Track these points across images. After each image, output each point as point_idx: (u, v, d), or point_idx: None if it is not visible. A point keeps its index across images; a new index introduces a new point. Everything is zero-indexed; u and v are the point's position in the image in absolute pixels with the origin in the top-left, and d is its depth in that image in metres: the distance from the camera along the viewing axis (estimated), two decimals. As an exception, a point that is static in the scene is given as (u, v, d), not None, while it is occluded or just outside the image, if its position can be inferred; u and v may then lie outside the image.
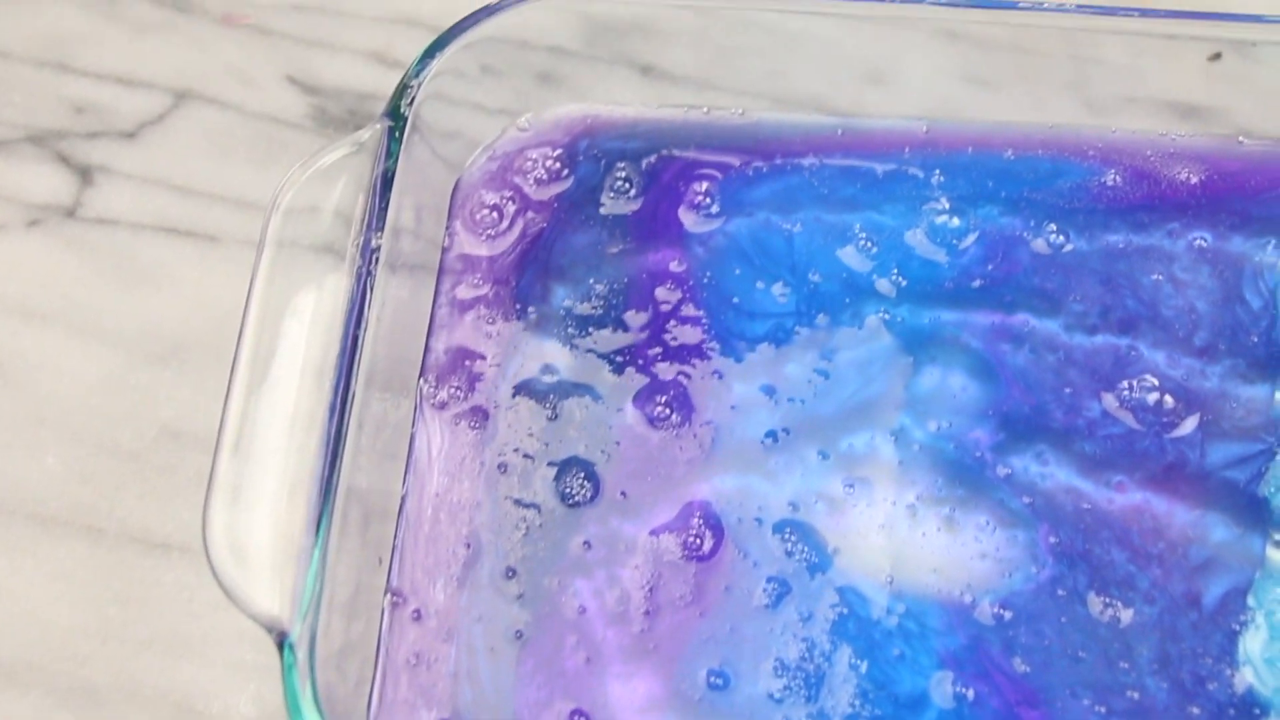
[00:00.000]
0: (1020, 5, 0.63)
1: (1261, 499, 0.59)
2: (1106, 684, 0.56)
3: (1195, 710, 0.56)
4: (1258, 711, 0.56)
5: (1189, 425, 0.59)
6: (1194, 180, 0.63)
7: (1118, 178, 0.63)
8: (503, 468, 0.59)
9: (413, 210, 0.61)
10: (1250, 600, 0.57)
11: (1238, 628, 0.57)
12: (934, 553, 0.58)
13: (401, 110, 0.60)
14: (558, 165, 0.64)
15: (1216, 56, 0.63)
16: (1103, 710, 0.56)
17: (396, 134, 0.59)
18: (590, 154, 0.64)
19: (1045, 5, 0.62)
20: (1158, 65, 0.64)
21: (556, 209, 0.63)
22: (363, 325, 0.57)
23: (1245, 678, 0.56)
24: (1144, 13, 0.63)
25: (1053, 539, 0.58)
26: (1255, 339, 0.61)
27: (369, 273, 0.57)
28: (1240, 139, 0.64)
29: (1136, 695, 0.56)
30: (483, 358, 0.61)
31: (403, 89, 0.60)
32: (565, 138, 0.65)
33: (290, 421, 0.56)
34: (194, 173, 0.67)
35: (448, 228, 0.63)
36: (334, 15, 0.71)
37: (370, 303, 0.57)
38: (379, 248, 0.58)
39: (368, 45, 0.70)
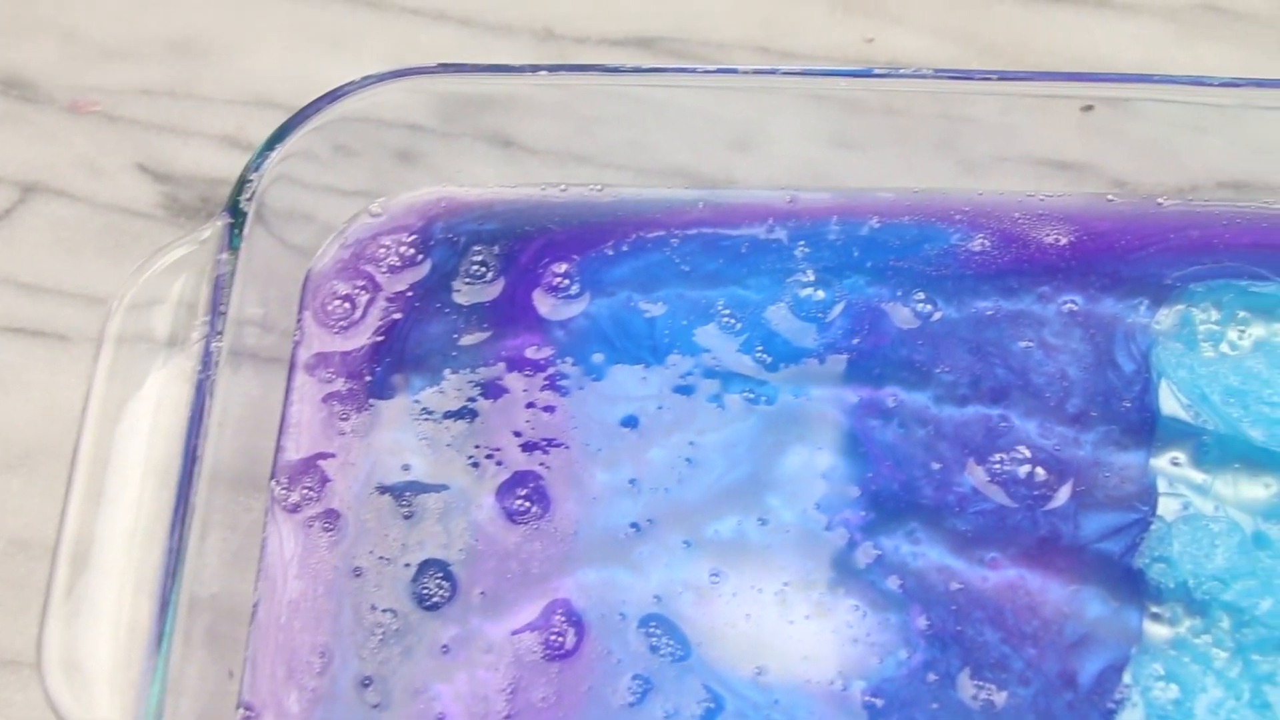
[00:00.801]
0: (879, 73, 0.61)
1: (1137, 570, 0.57)
2: (981, 773, 0.55)
3: (1072, 797, 0.54)
4: (1137, 795, 0.54)
5: (1062, 496, 0.58)
6: (1063, 241, 0.62)
7: (986, 242, 0.62)
8: (358, 571, 0.58)
9: (260, 303, 0.60)
10: (1126, 678, 0.56)
11: (1114, 707, 0.55)
12: (804, 640, 0.57)
13: (241, 206, 0.58)
14: (412, 251, 0.62)
15: (1089, 108, 0.62)
16: (977, 801, 0.54)
17: (236, 230, 0.58)
18: (445, 238, 0.63)
19: (905, 72, 0.61)
20: (1030, 120, 0.63)
21: (411, 298, 0.62)
22: (203, 426, 0.55)
23: (1123, 761, 0.55)
24: (1011, 75, 0.61)
25: (924, 621, 0.57)
26: (1128, 404, 0.59)
27: (210, 373, 0.55)
28: (1109, 197, 0.62)
29: (1012, 784, 0.55)
30: (335, 456, 0.59)
31: (242, 183, 0.58)
32: (419, 221, 0.63)
33: (132, 528, 0.54)
34: (42, 269, 0.66)
35: (299, 320, 0.61)
36: (184, 99, 0.69)
37: (213, 402, 0.55)
38: (220, 348, 0.56)
39: (220, 129, 0.68)
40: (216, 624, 0.56)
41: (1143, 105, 0.62)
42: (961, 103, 0.62)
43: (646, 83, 0.63)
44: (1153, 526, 0.58)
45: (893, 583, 0.57)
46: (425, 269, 0.62)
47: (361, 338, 0.61)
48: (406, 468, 0.59)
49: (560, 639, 0.57)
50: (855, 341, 0.61)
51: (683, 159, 0.64)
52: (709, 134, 0.64)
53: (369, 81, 0.61)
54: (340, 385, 0.60)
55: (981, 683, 0.56)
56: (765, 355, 0.60)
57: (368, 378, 0.60)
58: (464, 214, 0.63)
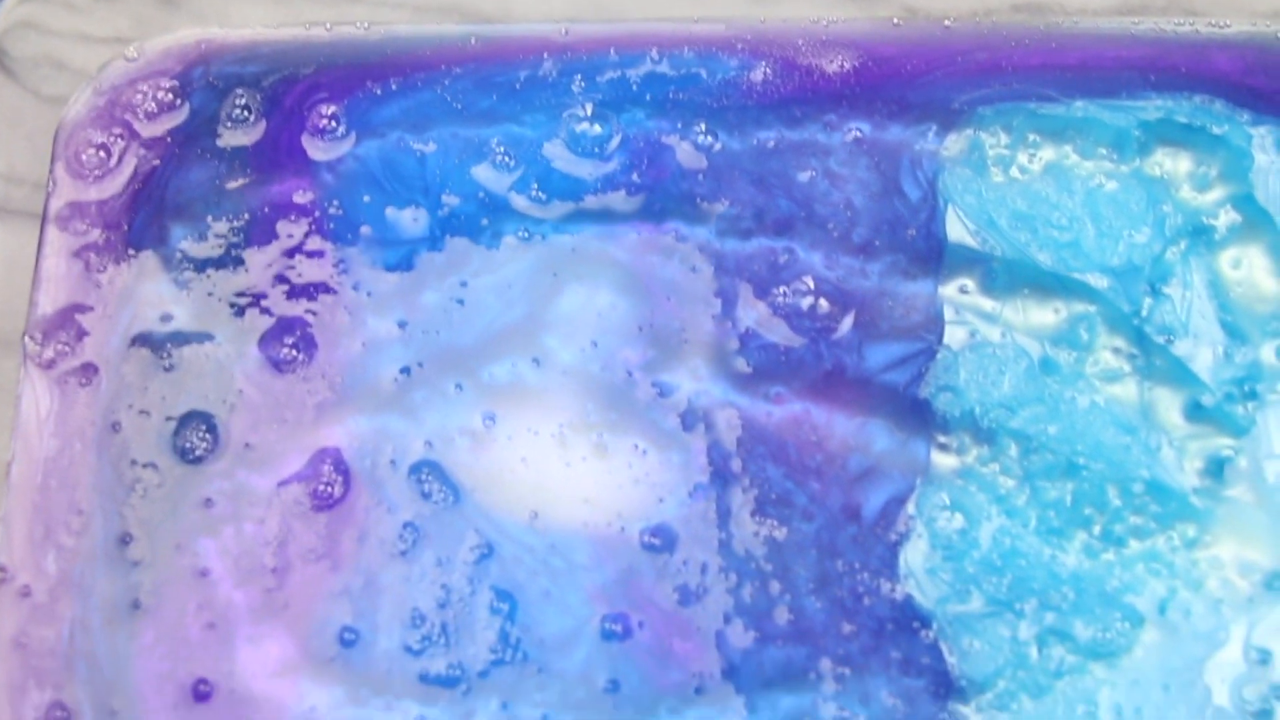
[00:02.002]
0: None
1: (923, 401, 0.56)
2: (762, 608, 0.53)
3: (852, 628, 0.53)
4: (918, 625, 0.53)
5: (845, 327, 0.56)
6: (848, 68, 0.60)
7: (768, 71, 0.60)
8: (116, 426, 0.55)
9: (7, 156, 0.57)
10: (911, 509, 0.54)
11: (898, 539, 0.54)
12: (583, 482, 0.55)
13: (-23, 48, 0.55)
14: (170, 96, 0.59)
15: (879, -64, 0.60)
16: (757, 635, 0.53)
17: (-26, 74, 0.55)
18: (205, 82, 0.60)
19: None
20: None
21: (170, 144, 0.59)
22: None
23: (906, 590, 0.53)
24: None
25: (706, 459, 0.55)
26: (914, 233, 0.58)
27: (-50, 226, 0.53)
28: (895, 20, 0.60)
29: (793, 617, 0.53)
30: (92, 310, 0.57)
31: (-21, 24, 0.55)
32: (178, 66, 0.60)
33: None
34: None
35: (51, 171, 0.58)
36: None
37: (-42, 258, 0.53)
38: (-40, 198, 0.53)
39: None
40: (-33, 486, 0.54)
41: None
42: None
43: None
44: (939, 355, 0.56)
45: (674, 421, 0.55)
46: (184, 114, 0.59)
47: (118, 187, 0.58)
48: (167, 319, 0.57)
49: (329, 489, 0.55)
50: (634, 177, 0.58)
51: (459, -7, 0.62)
52: (486, -31, 0.61)
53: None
54: (96, 236, 0.57)
55: (764, 519, 0.54)
56: (541, 193, 0.58)
57: (125, 228, 0.58)
58: (225, 56, 0.60)
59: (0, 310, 0.56)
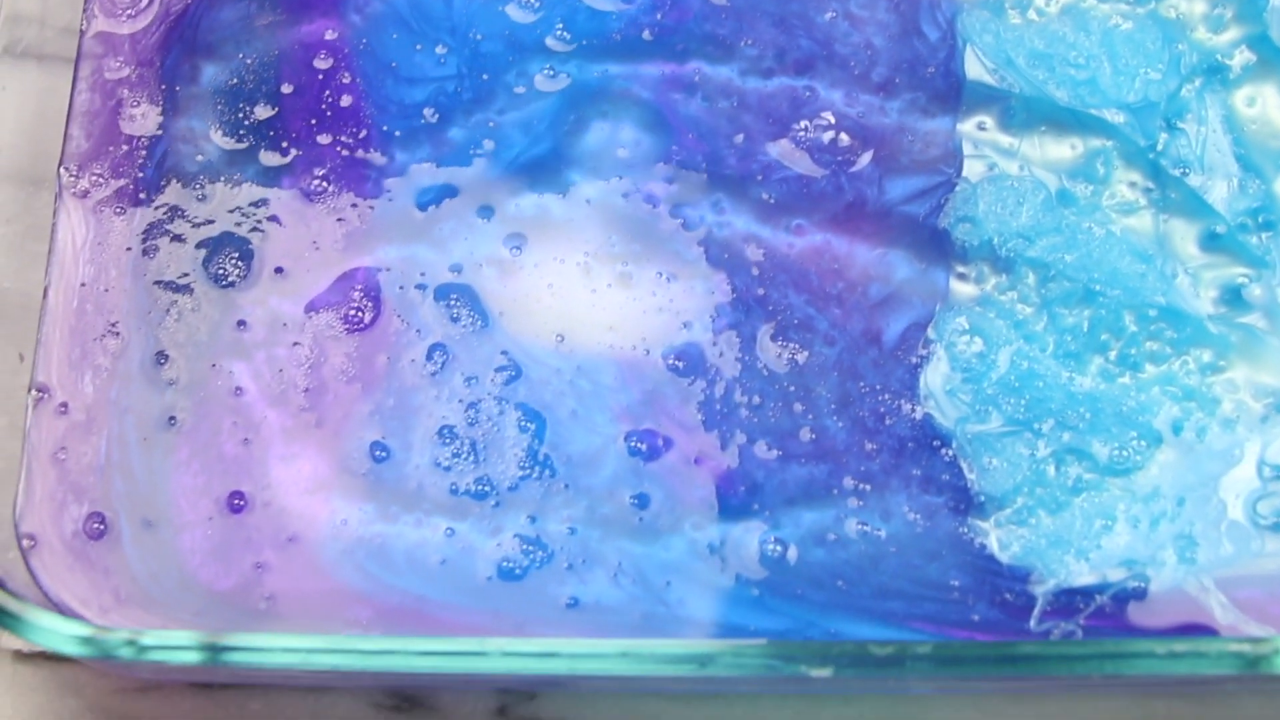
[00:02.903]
0: None
1: (942, 231, 0.57)
2: (784, 428, 0.54)
3: (873, 446, 0.54)
4: (938, 443, 0.54)
5: (865, 160, 0.57)
6: (869, -86, 0.60)
7: (791, -83, 0.60)
8: (150, 252, 0.56)
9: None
10: (931, 333, 0.55)
11: (918, 362, 0.55)
12: (607, 309, 0.56)
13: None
14: (201, -62, 0.60)
15: None
16: (779, 454, 0.54)
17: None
18: (236, -75, 0.61)
19: None
20: None
21: (201, -17, 0.60)
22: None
23: (925, 410, 0.54)
24: None
25: (729, 287, 0.56)
26: (933, 71, 0.59)
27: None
28: None
29: (815, 437, 0.54)
30: (127, 142, 0.58)
31: None
32: (209, -90, 0.61)
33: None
34: None
35: (85, 9, 0.59)
36: None
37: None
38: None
39: None
40: (6, 312, 0.55)
41: None
42: None
43: None
44: (958, 188, 0.57)
45: (697, 252, 0.57)
46: (216, -45, 0.60)
47: (150, 23, 0.59)
48: (201, 150, 0.58)
49: (359, 314, 0.56)
50: (658, 17, 0.59)
51: None
52: None
53: None
54: (130, 73, 0.59)
55: (786, 343, 0.55)
56: (566, 33, 0.59)
57: (158, 64, 0.59)
58: (256, -99, 0.61)
59: (35, 150, 0.57)
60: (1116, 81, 0.58)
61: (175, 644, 0.48)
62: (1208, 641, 0.48)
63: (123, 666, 0.52)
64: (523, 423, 0.54)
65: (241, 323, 0.55)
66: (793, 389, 0.55)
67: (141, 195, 0.57)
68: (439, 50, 0.59)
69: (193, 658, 0.48)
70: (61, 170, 0.57)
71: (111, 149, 0.58)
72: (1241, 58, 0.58)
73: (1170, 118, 0.58)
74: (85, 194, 0.57)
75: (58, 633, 0.49)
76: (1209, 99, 0.58)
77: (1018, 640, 0.51)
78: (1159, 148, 0.57)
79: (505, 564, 0.53)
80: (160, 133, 0.58)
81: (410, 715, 0.55)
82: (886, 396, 0.55)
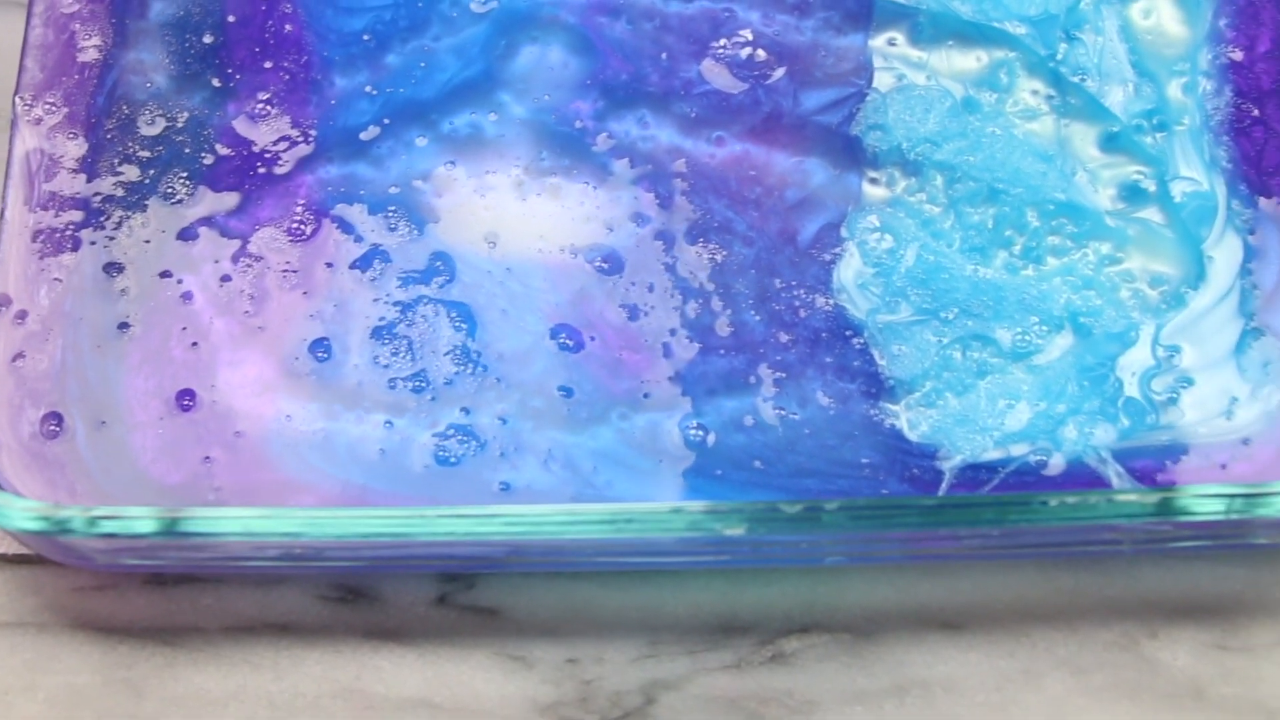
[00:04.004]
0: None
1: (854, 139, 0.60)
2: (705, 323, 0.57)
3: (789, 338, 0.57)
4: (850, 333, 0.57)
5: (779, 74, 0.60)
6: None
7: None
8: (102, 173, 0.59)
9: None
10: (843, 232, 0.58)
11: (831, 259, 0.58)
12: (538, 219, 0.59)
13: None
14: (149, -118, 0.63)
15: None
16: (701, 347, 0.57)
17: None
18: None
19: None
20: None
21: (149, -76, 0.63)
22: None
23: (838, 303, 0.57)
24: None
25: (653, 196, 0.59)
26: (846, -9, 0.62)
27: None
28: None
29: (733, 329, 0.57)
30: (79, 71, 0.61)
31: None
32: None
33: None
34: None
35: (39, -51, 0.62)
36: None
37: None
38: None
39: None
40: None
41: None
42: None
43: None
44: (869, 98, 0.60)
45: (623, 164, 0.60)
46: (163, -103, 0.63)
47: (101, -39, 0.62)
48: (150, 80, 0.61)
49: (301, 226, 0.59)
50: (584, -54, 0.63)
51: None
52: None
53: None
54: (81, 7, 0.62)
55: (706, 244, 0.58)
56: (497, -37, 0.62)
57: (108, 0, 0.62)
58: None
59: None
60: (1018, -4, 0.61)
61: (125, 515, 0.51)
62: (1095, 493, 0.51)
63: (77, 556, 0.55)
64: (456, 322, 0.57)
65: (190, 236, 0.58)
66: (713, 286, 0.58)
67: (93, 121, 0.60)
68: (376, -19, 0.62)
69: (143, 527, 0.51)
70: (16, 99, 0.60)
71: (64, 79, 0.61)
72: (1137, -27, 0.61)
73: (1069, 29, 0.61)
74: (39, 120, 0.60)
75: (15, 511, 0.52)
76: (1105, 11, 0.61)
77: (919, 496, 0.53)
78: (1059, 57, 0.60)
79: (441, 453, 0.56)
80: (111, 63, 0.61)
81: (354, 606, 0.57)
82: (801, 291, 0.58)
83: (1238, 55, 0.60)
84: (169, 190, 0.59)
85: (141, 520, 0.51)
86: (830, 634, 0.57)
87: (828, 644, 0.56)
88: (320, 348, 0.57)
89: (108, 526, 0.51)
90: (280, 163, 0.60)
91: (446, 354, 0.57)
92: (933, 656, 0.56)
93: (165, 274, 0.58)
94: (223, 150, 0.60)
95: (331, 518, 0.52)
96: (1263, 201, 0.58)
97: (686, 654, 0.56)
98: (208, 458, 0.56)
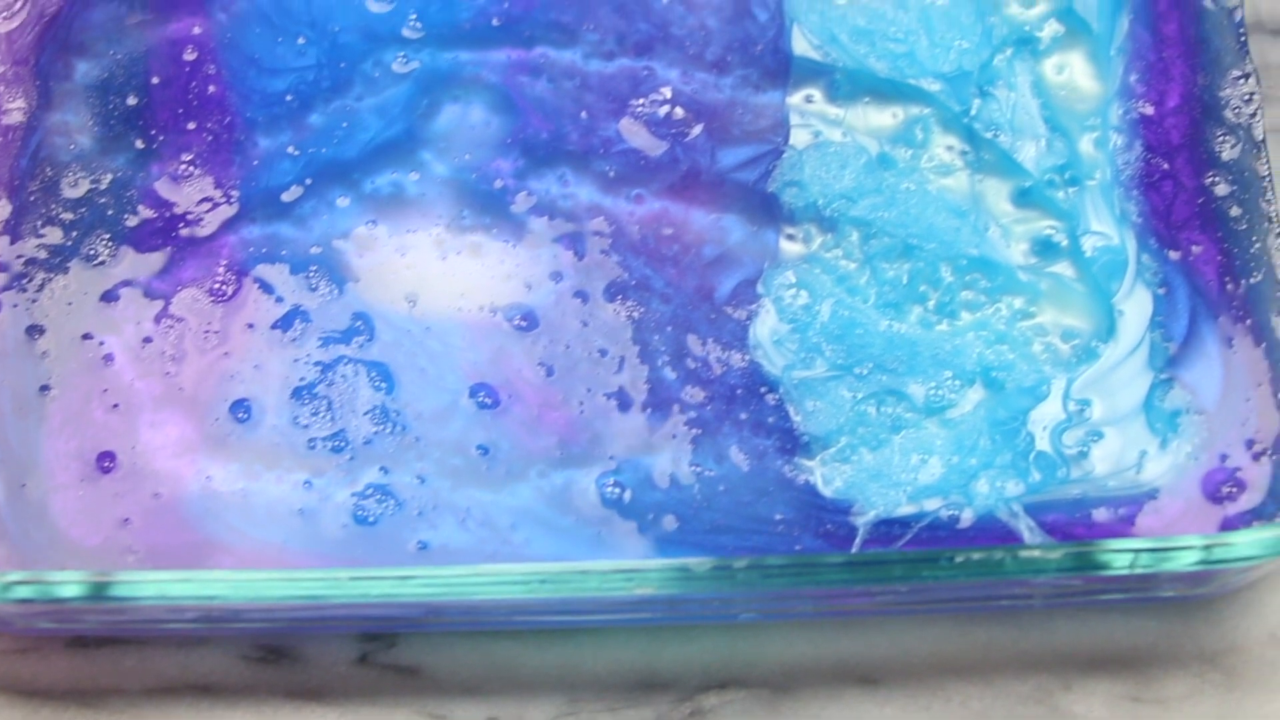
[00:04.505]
0: None
1: (771, 195, 0.60)
2: (622, 380, 0.58)
3: (706, 394, 0.57)
4: (765, 389, 0.58)
5: (697, 131, 0.61)
6: (703, -92, 0.64)
7: (629, -87, 0.64)
8: (25, 234, 0.60)
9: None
10: (760, 288, 0.59)
11: (747, 315, 0.59)
12: (458, 278, 0.59)
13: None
14: (74, -56, 0.64)
15: None
16: (619, 403, 0.57)
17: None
18: (107, -68, 0.64)
19: None
20: None
21: (74, -15, 0.63)
22: None
23: (754, 359, 0.58)
24: None
25: (572, 253, 0.59)
26: (762, 49, 0.62)
27: None
28: None
29: (650, 386, 0.58)
30: (4, 134, 0.61)
31: None
32: (81, -82, 0.65)
33: None
34: None
35: (-39, 12, 0.63)
36: None
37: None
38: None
39: None
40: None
41: None
42: None
43: None
44: (785, 155, 0.61)
45: (542, 222, 0.60)
46: (87, -40, 0.64)
47: (25, 23, 0.63)
48: (74, 143, 0.61)
49: (223, 286, 0.59)
50: (505, 5, 0.63)
51: None
52: None
53: None
54: (5, 70, 0.62)
55: (624, 301, 0.59)
56: (419, 23, 0.63)
57: (33, 62, 0.62)
58: (126, -91, 0.65)
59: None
60: (933, 53, 0.62)
61: (42, 580, 0.51)
62: (1002, 549, 0.52)
63: (-1, 620, 0.55)
64: (376, 382, 0.58)
65: (111, 297, 0.59)
66: (630, 343, 0.58)
67: (16, 183, 0.60)
68: (299, 42, 0.63)
69: (62, 592, 0.51)
70: (-60, 162, 0.61)
71: (-12, 141, 0.61)
72: (1050, 29, 0.62)
73: (983, 85, 0.61)
74: (-37, 182, 0.60)
75: (-70, 578, 0.52)
76: (1019, 67, 0.62)
77: (828, 554, 0.54)
78: (973, 112, 0.61)
79: (359, 513, 0.56)
80: (35, 125, 0.61)
81: (276, 665, 0.58)
82: (718, 348, 0.58)
83: (1148, 110, 0.61)
84: (91, 252, 0.60)
85: (58, 586, 0.52)
86: (748, 690, 0.57)
87: (746, 700, 0.57)
88: (241, 408, 0.57)
89: (22, 592, 0.51)
90: (203, 224, 0.60)
91: (366, 413, 0.57)
92: (850, 711, 0.57)
93: (87, 336, 0.58)
94: (146, 211, 0.60)
95: (248, 581, 0.52)
96: (1172, 255, 0.59)
97: (607, 710, 0.57)
98: (127, 520, 0.56)
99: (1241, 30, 0.62)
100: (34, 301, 0.59)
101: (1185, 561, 0.52)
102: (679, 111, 0.61)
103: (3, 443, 0.57)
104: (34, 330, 0.58)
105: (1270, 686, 0.57)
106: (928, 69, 0.62)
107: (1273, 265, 0.59)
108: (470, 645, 0.58)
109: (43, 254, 0.60)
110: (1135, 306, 0.58)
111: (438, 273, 0.59)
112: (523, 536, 0.56)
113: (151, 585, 0.52)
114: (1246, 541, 0.52)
